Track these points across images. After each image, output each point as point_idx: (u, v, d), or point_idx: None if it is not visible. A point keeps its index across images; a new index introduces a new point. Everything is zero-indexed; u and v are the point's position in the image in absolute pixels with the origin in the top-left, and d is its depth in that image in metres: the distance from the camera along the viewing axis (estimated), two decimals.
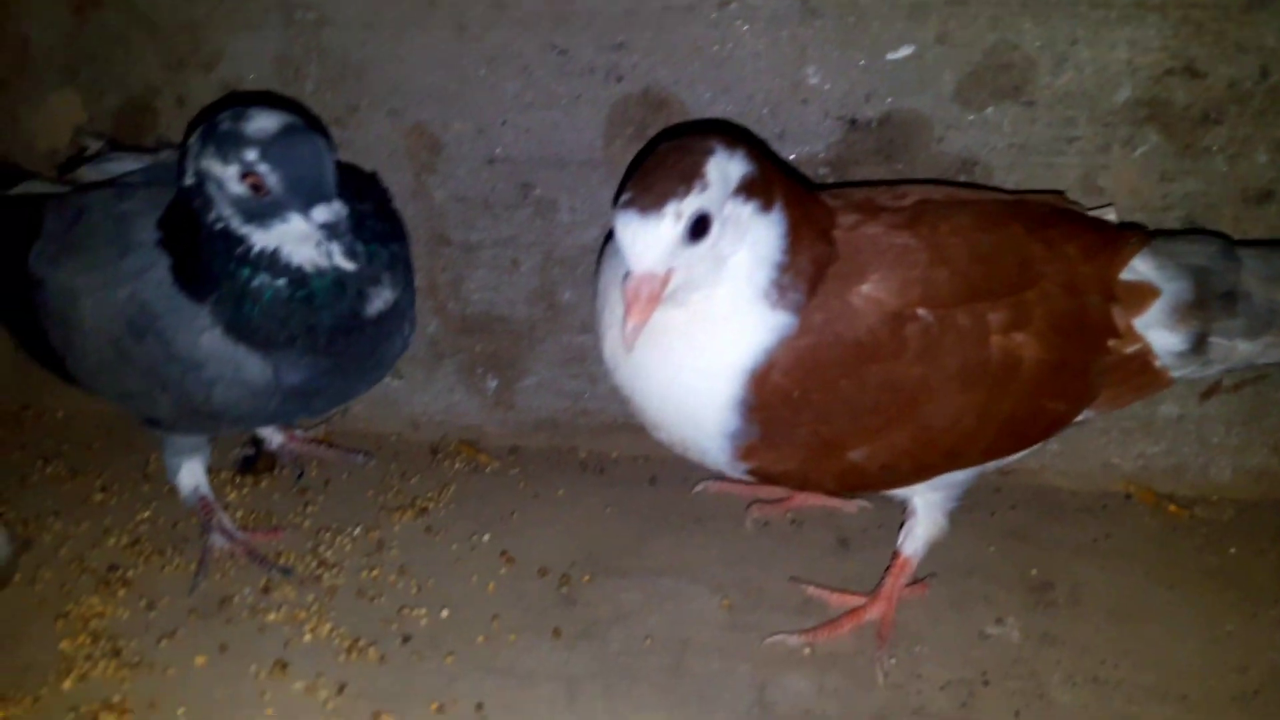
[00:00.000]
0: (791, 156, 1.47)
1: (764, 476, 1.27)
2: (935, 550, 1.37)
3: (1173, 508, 1.56)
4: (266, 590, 1.46)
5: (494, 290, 1.65)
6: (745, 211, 1.10)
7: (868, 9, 1.39)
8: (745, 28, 1.42)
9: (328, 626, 1.39)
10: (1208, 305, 1.24)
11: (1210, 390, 1.52)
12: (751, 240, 1.12)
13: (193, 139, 1.24)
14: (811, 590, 1.42)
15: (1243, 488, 1.57)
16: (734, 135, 1.15)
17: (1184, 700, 1.26)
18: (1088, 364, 1.23)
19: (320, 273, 1.24)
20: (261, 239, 1.23)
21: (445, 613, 1.42)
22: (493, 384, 1.73)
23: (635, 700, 1.28)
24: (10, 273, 1.38)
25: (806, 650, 1.34)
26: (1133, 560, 1.47)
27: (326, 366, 1.32)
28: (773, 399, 1.15)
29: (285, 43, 1.54)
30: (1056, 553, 1.49)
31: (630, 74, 1.47)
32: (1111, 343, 1.23)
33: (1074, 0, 1.34)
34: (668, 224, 1.05)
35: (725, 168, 1.09)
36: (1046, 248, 1.21)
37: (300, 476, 1.68)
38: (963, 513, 1.37)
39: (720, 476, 1.57)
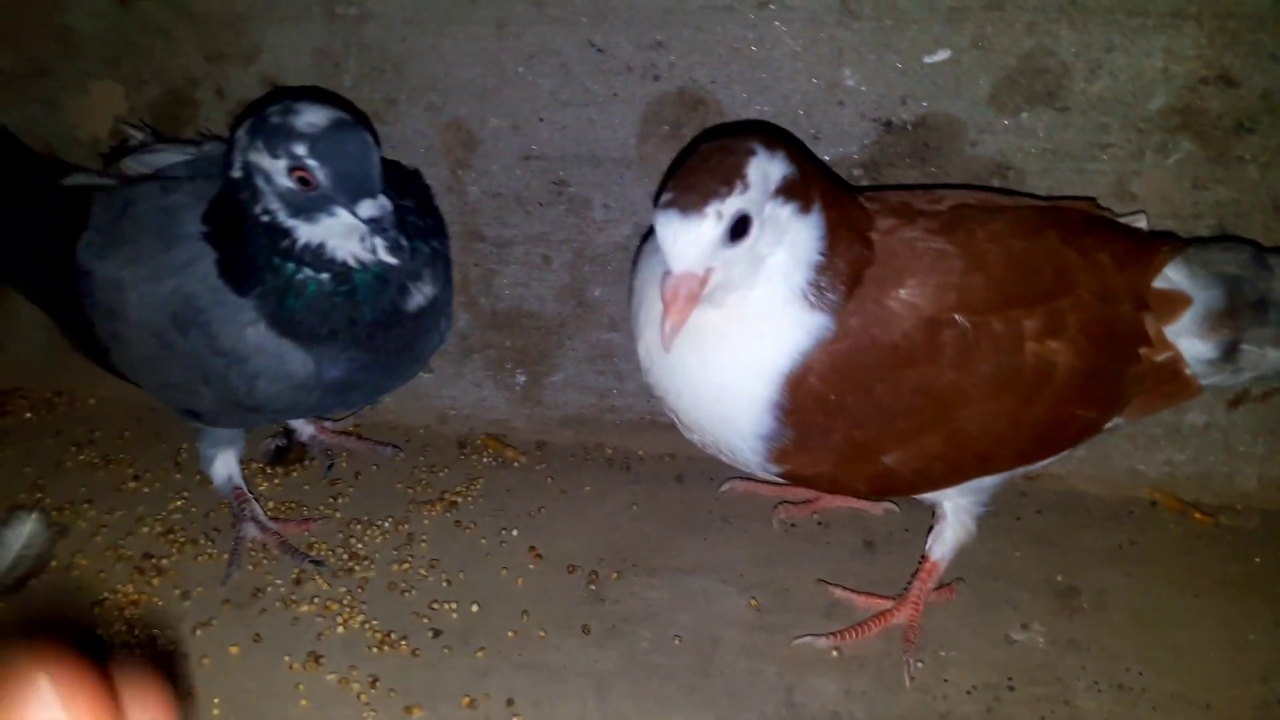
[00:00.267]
0: (826, 158, 1.48)
1: (795, 479, 1.28)
2: (962, 555, 1.38)
3: (1198, 515, 1.57)
4: (299, 581, 1.47)
5: (525, 286, 1.66)
6: (784, 213, 1.11)
7: (906, 12, 1.39)
8: (783, 28, 1.43)
9: (359, 619, 1.40)
10: (1239, 313, 1.24)
11: (1238, 399, 1.52)
12: (790, 241, 1.12)
13: (240, 132, 1.25)
14: (839, 592, 1.42)
15: (1269, 496, 1.57)
16: (774, 136, 1.16)
17: (1207, 708, 1.27)
18: (1119, 372, 1.23)
19: (363, 267, 1.26)
20: (307, 233, 1.24)
21: (475, 607, 1.43)
22: (521, 379, 1.75)
23: (664, 699, 1.29)
24: (58, 264, 1.39)
25: (834, 652, 1.35)
26: (1158, 567, 1.48)
27: (366, 361, 1.33)
28: (807, 402, 1.15)
29: (326, 36, 1.55)
30: (1082, 558, 1.49)
31: (667, 73, 1.48)
32: (1143, 351, 1.23)
33: (1111, 7, 1.34)
34: (709, 224, 1.06)
35: (766, 169, 1.10)
36: (1081, 255, 1.21)
37: (330, 468, 1.70)
38: (989, 517, 1.38)
39: (747, 476, 1.57)
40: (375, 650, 1.36)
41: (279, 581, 1.47)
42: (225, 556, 1.51)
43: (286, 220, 1.24)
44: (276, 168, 1.21)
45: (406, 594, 1.45)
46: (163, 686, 0.47)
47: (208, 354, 1.30)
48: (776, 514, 1.57)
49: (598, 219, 1.59)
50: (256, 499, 1.60)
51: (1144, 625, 1.39)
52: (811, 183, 1.14)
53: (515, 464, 1.73)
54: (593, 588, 1.46)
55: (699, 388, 1.20)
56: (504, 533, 1.57)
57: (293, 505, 1.63)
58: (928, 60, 1.41)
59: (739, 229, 1.08)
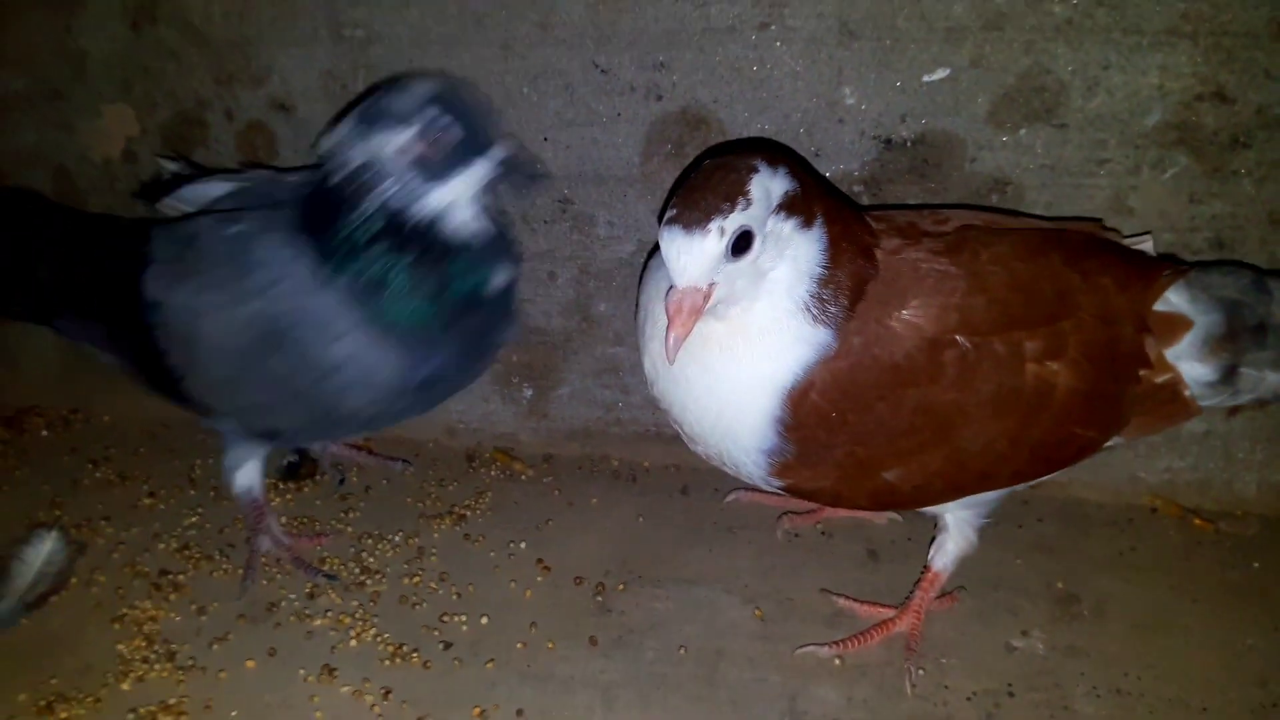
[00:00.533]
0: (827, 174, 1.50)
1: (798, 493, 1.30)
2: (963, 565, 1.39)
3: (1198, 522, 1.58)
4: (312, 595, 1.49)
5: (531, 302, 1.68)
6: (786, 228, 1.13)
7: (905, 32, 1.41)
8: (784, 49, 1.45)
9: (372, 632, 1.43)
10: (1239, 337, 1.25)
11: (1236, 407, 1.54)
12: (792, 255, 1.15)
13: (346, 130, 1.29)
14: (842, 602, 1.44)
15: (1268, 503, 1.59)
16: (777, 153, 1.18)
17: (1205, 712, 1.28)
18: (1119, 393, 1.25)
19: (462, 243, 1.31)
20: (429, 201, 1.28)
21: (484, 619, 1.45)
22: (528, 393, 1.77)
23: (670, 709, 1.31)
24: (121, 300, 1.41)
25: (836, 661, 1.36)
26: (1157, 574, 1.50)
27: (449, 352, 1.36)
28: (809, 419, 1.18)
29: (333, 59, 1.58)
30: (1082, 566, 1.51)
31: (670, 93, 1.50)
32: (1143, 372, 1.25)
33: (1107, 26, 1.36)
34: (712, 240, 1.09)
35: (768, 185, 1.12)
36: (1083, 278, 1.23)
37: (341, 483, 1.73)
38: (990, 525, 1.39)
39: (751, 487, 1.59)
40: (387, 663, 1.38)
41: (293, 596, 1.50)
42: (240, 572, 1.53)
43: (411, 190, 1.28)
44: (406, 138, 1.25)
45: (417, 607, 1.47)
46: None
47: (297, 370, 1.33)
48: (780, 524, 1.59)
49: (602, 236, 1.62)
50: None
51: (1143, 631, 1.40)
52: (813, 198, 1.16)
53: (523, 477, 1.75)
54: (599, 599, 1.48)
55: (703, 400, 1.22)
56: (512, 545, 1.59)
57: (304, 520, 1.65)
58: (927, 79, 1.43)
59: (742, 244, 1.11)
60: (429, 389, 1.39)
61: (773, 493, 1.40)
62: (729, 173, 1.13)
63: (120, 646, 1.40)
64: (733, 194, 1.10)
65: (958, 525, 1.37)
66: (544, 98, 1.53)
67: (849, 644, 1.37)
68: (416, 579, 1.52)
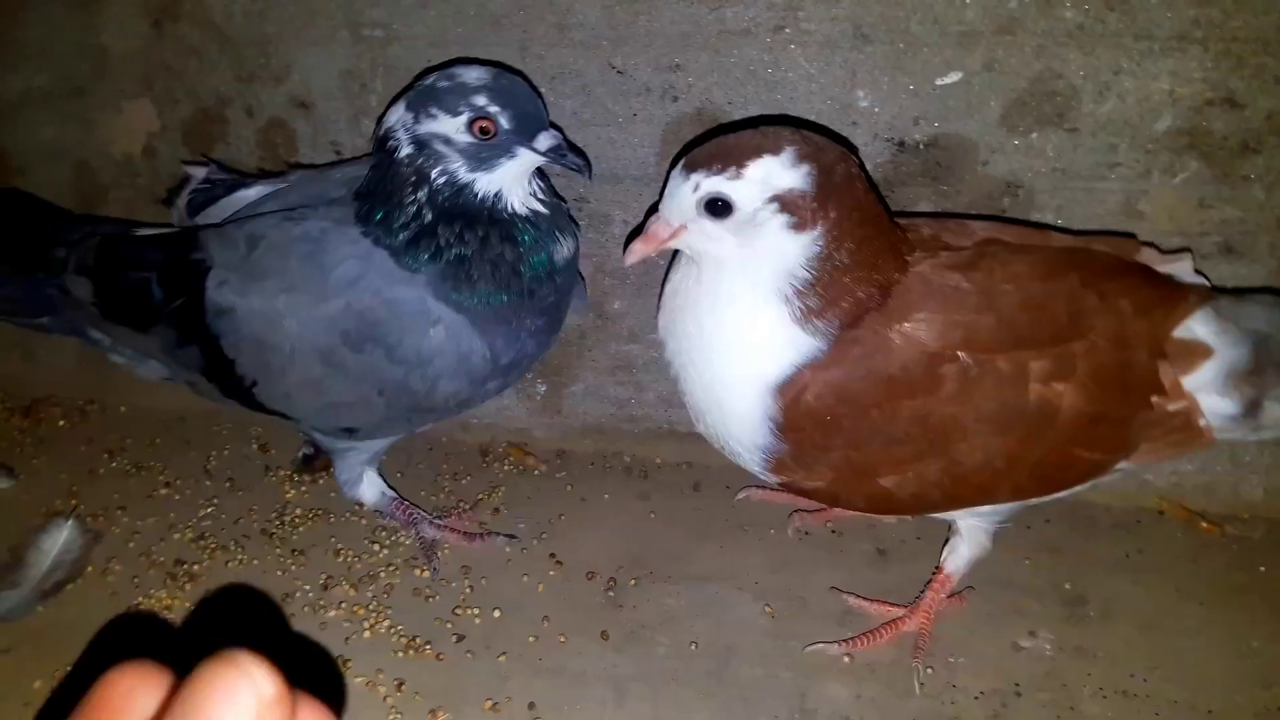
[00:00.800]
0: None
1: (795, 490, 1.32)
2: (975, 568, 1.41)
3: (1204, 525, 1.59)
4: (326, 587, 1.51)
5: None
6: (775, 221, 1.15)
7: (918, 36, 1.42)
8: (798, 52, 1.46)
9: (385, 624, 1.44)
10: (1265, 373, 1.24)
11: None
12: (771, 248, 1.16)
13: (397, 115, 1.31)
14: (852, 601, 1.46)
15: (1274, 506, 1.60)
16: (836, 154, 1.18)
17: (1210, 714, 1.30)
18: (1128, 418, 1.24)
19: (526, 218, 1.34)
20: (485, 183, 1.31)
21: (497, 613, 1.46)
22: (542, 389, 1.79)
23: (681, 704, 1.33)
24: (183, 308, 1.41)
25: (846, 659, 1.38)
26: (1164, 576, 1.51)
27: (528, 327, 1.38)
28: (803, 421, 1.19)
29: (353, 58, 1.59)
30: (1090, 567, 1.52)
31: (686, 94, 1.51)
32: (1155, 399, 1.23)
33: (1118, 32, 1.37)
34: (686, 189, 1.17)
35: (773, 171, 1.14)
36: (1101, 299, 1.22)
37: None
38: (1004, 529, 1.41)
39: (762, 485, 1.61)
40: (401, 655, 1.40)
41: (307, 587, 1.51)
42: (256, 563, 1.56)
43: (465, 175, 1.30)
44: (457, 125, 1.28)
45: (430, 600, 1.49)
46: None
47: (386, 364, 1.34)
48: (791, 522, 1.60)
49: (617, 234, 1.63)
50: (285, 507, 1.65)
51: (1149, 633, 1.41)
52: (827, 210, 1.15)
53: (536, 472, 1.77)
54: (611, 594, 1.50)
55: (700, 369, 1.25)
56: (525, 539, 1.61)
57: (319, 512, 1.67)
58: (939, 82, 1.44)
59: (717, 208, 1.15)
60: (514, 367, 1.42)
61: (781, 490, 1.42)
62: (747, 141, 1.17)
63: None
64: (729, 162, 1.14)
65: (970, 530, 1.38)
66: (561, 98, 1.54)
67: (859, 642, 1.39)
68: (429, 571, 1.54)
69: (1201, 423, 1.25)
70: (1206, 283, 1.35)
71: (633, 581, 1.52)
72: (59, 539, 1.56)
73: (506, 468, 1.78)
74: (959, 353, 1.18)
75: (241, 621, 1.43)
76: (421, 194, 1.31)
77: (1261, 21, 1.33)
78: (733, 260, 1.18)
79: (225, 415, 1.60)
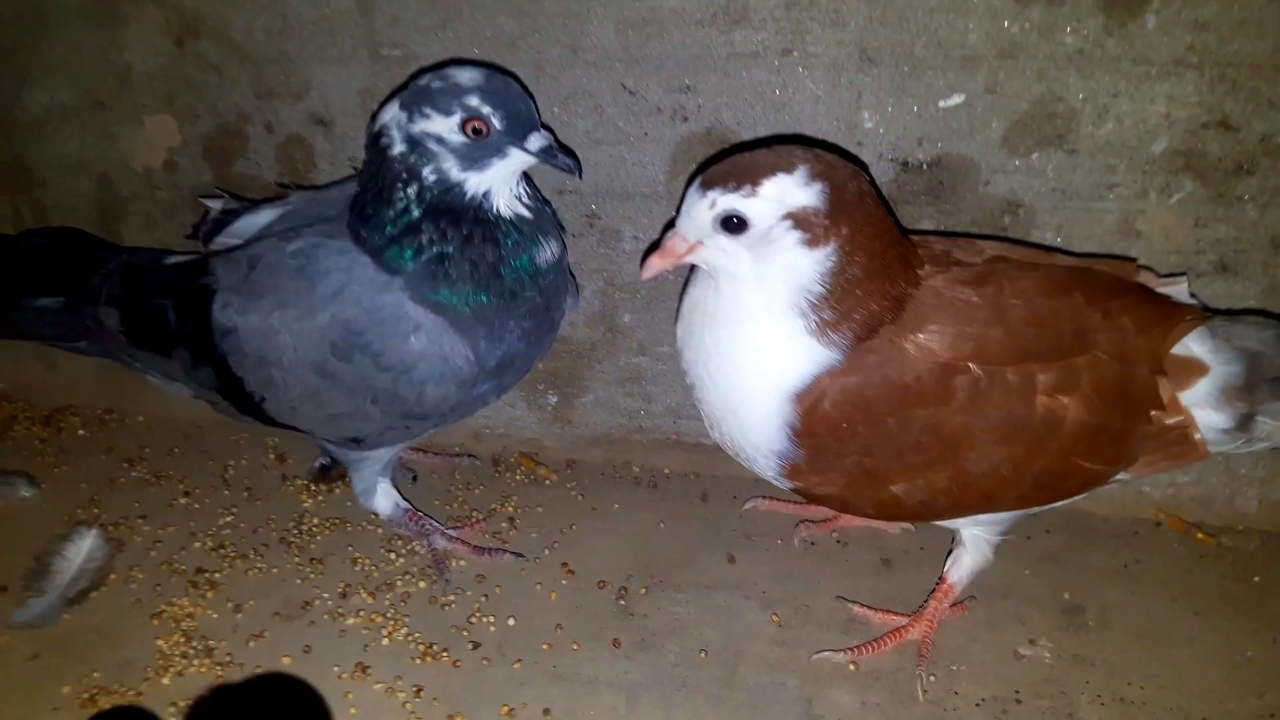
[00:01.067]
0: None
1: (807, 496, 1.35)
2: (978, 578, 1.44)
3: (1200, 536, 1.62)
4: (345, 595, 1.54)
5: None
6: (788, 237, 1.18)
7: (922, 59, 1.45)
8: (805, 74, 1.49)
9: (403, 631, 1.48)
10: (1257, 388, 1.28)
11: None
12: (785, 264, 1.19)
13: (391, 114, 1.34)
14: (857, 609, 1.49)
15: (1268, 518, 1.63)
16: (849, 173, 1.21)
17: None
18: (1128, 430, 1.27)
19: (509, 221, 1.37)
20: (476, 182, 1.34)
21: (511, 621, 1.50)
22: (553, 400, 1.82)
23: (691, 710, 1.36)
24: (195, 332, 1.45)
25: (851, 666, 1.41)
26: (1161, 585, 1.54)
27: (513, 330, 1.41)
28: (820, 427, 1.22)
29: (371, 77, 1.63)
30: (1089, 577, 1.55)
31: (695, 115, 1.55)
32: (1154, 413, 1.27)
33: (1117, 57, 1.40)
34: (703, 205, 1.20)
35: (787, 189, 1.17)
36: (1104, 317, 1.25)
37: (415, 480, 1.80)
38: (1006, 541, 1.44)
39: (768, 495, 1.66)
40: (419, 661, 1.43)
41: (326, 595, 1.55)
42: (275, 571, 1.59)
43: (457, 174, 1.33)
44: (450, 125, 1.31)
45: (447, 608, 1.52)
46: None
47: (374, 372, 1.37)
48: (797, 532, 1.64)
49: (627, 249, 1.67)
50: (302, 517, 1.68)
51: (1146, 641, 1.44)
52: (839, 227, 1.18)
53: (547, 482, 1.80)
54: (622, 603, 1.53)
55: (717, 379, 1.28)
56: (537, 549, 1.64)
57: (336, 521, 1.70)
58: (942, 104, 1.47)
59: (733, 225, 1.18)
60: (504, 370, 1.44)
61: (788, 500, 1.45)
62: (762, 160, 1.20)
63: (160, 642, 1.46)
64: (744, 180, 1.17)
65: (974, 541, 1.41)
66: (574, 117, 1.58)
67: (864, 650, 1.42)
68: (443, 583, 1.57)
69: (1197, 436, 1.29)
70: (1200, 305, 1.38)
71: (643, 590, 1.55)
72: (83, 547, 1.59)
73: (519, 477, 1.81)
74: (970, 364, 1.21)
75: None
76: (412, 190, 1.34)
77: (1255, 48, 1.36)
78: (748, 275, 1.21)
79: (241, 425, 1.64)
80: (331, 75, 1.65)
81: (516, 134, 1.33)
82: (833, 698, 1.37)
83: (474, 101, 1.30)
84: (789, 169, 1.18)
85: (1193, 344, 1.30)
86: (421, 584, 1.57)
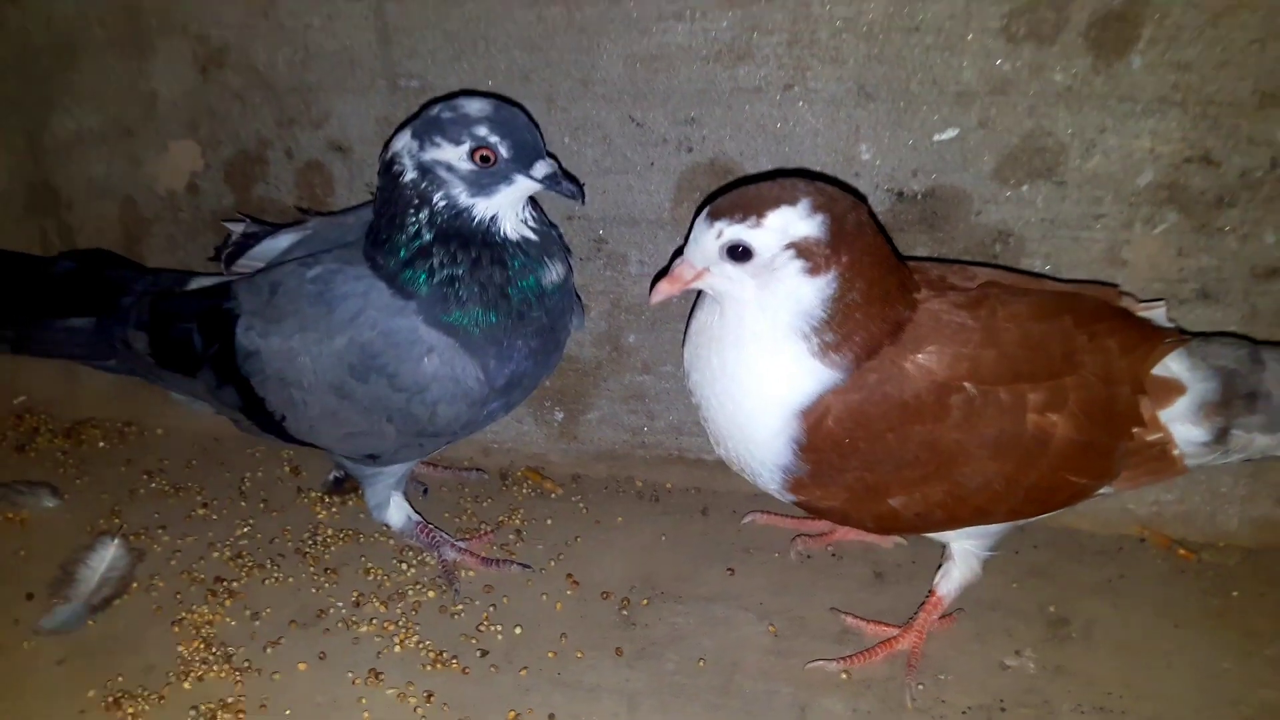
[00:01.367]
0: None
1: (809, 509, 1.40)
2: (966, 592, 1.48)
3: (1182, 552, 1.67)
4: (358, 604, 1.60)
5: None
6: (792, 266, 1.24)
7: (918, 95, 1.50)
8: (806, 108, 1.55)
9: (414, 639, 1.52)
10: (1232, 403, 1.34)
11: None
12: (788, 292, 1.25)
13: (403, 142, 1.40)
14: (850, 620, 1.53)
15: (1248, 535, 1.67)
16: (847, 205, 1.26)
17: None
18: (1112, 447, 1.33)
19: (516, 243, 1.42)
20: (483, 207, 1.40)
21: (518, 630, 1.55)
22: (559, 416, 1.88)
23: (689, 716, 1.41)
24: (220, 355, 1.51)
25: (844, 675, 1.46)
26: (1143, 599, 1.58)
27: (525, 348, 1.46)
28: (824, 443, 1.28)
29: (389, 106, 1.68)
30: (1073, 591, 1.59)
31: (699, 145, 1.60)
32: (1136, 430, 1.33)
33: (1104, 94, 1.45)
34: (710, 235, 1.25)
35: (790, 221, 1.23)
36: (1090, 340, 1.31)
37: (425, 493, 1.86)
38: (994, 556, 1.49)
39: (766, 510, 1.71)
40: (429, 668, 1.48)
41: (340, 604, 1.60)
42: (291, 580, 1.64)
43: (465, 200, 1.39)
44: (459, 154, 1.36)
45: (456, 617, 1.57)
46: None
47: (389, 393, 1.43)
48: (794, 546, 1.69)
49: (633, 273, 1.72)
50: (317, 528, 1.74)
51: (1127, 653, 1.48)
52: (838, 256, 1.23)
53: (553, 495, 1.85)
54: (624, 613, 1.58)
55: (724, 400, 1.33)
56: (543, 560, 1.69)
57: (350, 532, 1.75)
58: (937, 138, 1.53)
59: (739, 254, 1.24)
60: (512, 388, 1.49)
61: (786, 515, 1.50)
62: (767, 192, 1.26)
63: (180, 648, 1.51)
64: (750, 211, 1.23)
65: (963, 555, 1.46)
66: (583, 147, 1.64)
67: (856, 660, 1.47)
68: (452, 593, 1.61)
69: (1175, 452, 1.35)
70: (1177, 328, 1.44)
71: (645, 601, 1.60)
72: (106, 556, 1.64)
73: (525, 491, 1.86)
74: (965, 383, 1.27)
75: None
76: (423, 215, 1.40)
77: (1236, 87, 1.42)
78: (753, 301, 1.27)
79: (258, 440, 1.69)
80: (350, 104, 1.71)
81: (522, 162, 1.38)
82: (825, 705, 1.41)
83: (482, 131, 1.36)
84: (792, 201, 1.23)
85: (1172, 364, 1.35)
86: (431, 594, 1.62)
